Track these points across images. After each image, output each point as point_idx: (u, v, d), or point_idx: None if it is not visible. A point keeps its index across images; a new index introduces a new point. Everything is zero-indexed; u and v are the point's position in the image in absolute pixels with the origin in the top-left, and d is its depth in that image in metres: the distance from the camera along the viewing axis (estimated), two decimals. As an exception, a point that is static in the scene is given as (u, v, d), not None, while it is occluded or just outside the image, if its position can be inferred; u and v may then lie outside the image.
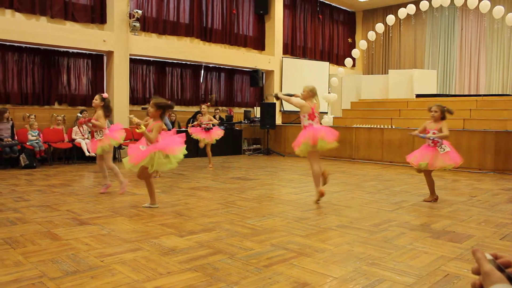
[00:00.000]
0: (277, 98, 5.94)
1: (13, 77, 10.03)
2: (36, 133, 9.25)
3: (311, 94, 5.65)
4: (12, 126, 9.11)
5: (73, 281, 2.82)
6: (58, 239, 3.79)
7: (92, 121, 5.94)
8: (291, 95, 5.85)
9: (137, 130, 4.83)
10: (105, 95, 6.14)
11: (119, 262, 3.18)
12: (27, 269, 3.04)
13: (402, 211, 5.15)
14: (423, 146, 5.77)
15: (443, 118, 5.57)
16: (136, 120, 5.10)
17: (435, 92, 14.38)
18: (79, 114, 9.05)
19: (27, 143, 9.06)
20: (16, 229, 4.10)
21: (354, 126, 11.50)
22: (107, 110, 6.06)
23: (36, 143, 9.10)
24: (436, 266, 3.19)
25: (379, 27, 13.90)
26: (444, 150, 5.51)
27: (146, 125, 5.02)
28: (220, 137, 9.12)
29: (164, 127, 7.42)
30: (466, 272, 3.05)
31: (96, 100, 6.05)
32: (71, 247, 3.54)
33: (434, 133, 5.56)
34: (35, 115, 9.56)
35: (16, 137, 9.11)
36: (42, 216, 4.67)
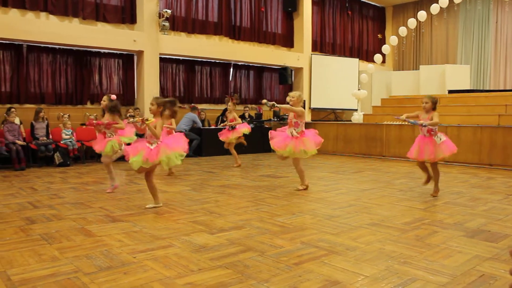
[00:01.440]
0: (273, 106, 6.07)
1: (48, 78, 10.31)
2: (70, 132, 9.47)
3: (300, 99, 6.09)
4: (47, 126, 9.35)
5: (106, 277, 2.88)
6: (91, 235, 3.87)
7: (114, 126, 5.89)
8: (274, 105, 6.16)
9: (147, 122, 4.81)
10: (113, 96, 6.03)
11: (151, 259, 3.23)
12: (63, 264, 3.12)
13: (434, 209, 5.05)
14: (419, 138, 5.83)
15: (434, 109, 5.73)
16: (139, 119, 5.01)
17: (468, 88, 14.04)
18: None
19: (61, 142, 9.28)
20: (52, 225, 4.21)
21: (385, 123, 11.34)
22: (116, 111, 5.95)
23: (70, 141, 9.31)
24: (471, 266, 3.12)
25: (411, 22, 13.66)
26: (440, 139, 5.67)
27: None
28: (246, 132, 8.96)
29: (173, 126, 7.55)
30: (503, 273, 2.97)
31: (104, 101, 5.99)
32: (104, 243, 3.61)
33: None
34: (69, 115, 9.79)
35: (50, 136, 9.35)
36: (76, 213, 4.78)
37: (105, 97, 6.03)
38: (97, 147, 6.07)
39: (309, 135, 6.09)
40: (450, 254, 3.37)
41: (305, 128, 6.15)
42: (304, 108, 6.15)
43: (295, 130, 6.05)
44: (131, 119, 5.22)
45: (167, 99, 5.18)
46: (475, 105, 10.87)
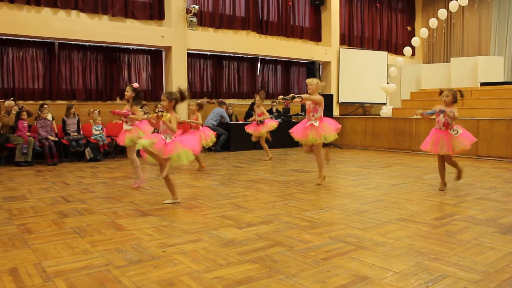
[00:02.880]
0: (293, 98, 6.04)
1: (78, 75, 10.54)
2: (100, 128, 9.65)
3: (318, 87, 6.12)
4: (78, 121, 9.56)
5: (137, 270, 2.93)
6: (122, 229, 3.94)
7: (130, 115, 5.89)
8: (294, 97, 6.08)
9: (163, 118, 4.75)
10: (135, 85, 5.97)
11: (180, 253, 3.27)
12: (95, 257, 3.18)
13: (466, 204, 4.95)
14: (434, 131, 5.70)
15: (454, 102, 5.60)
16: (153, 115, 4.95)
17: (502, 80, 13.67)
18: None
19: (92, 137, 9.46)
20: (84, 219, 4.30)
21: (414, 117, 11.15)
22: (139, 101, 5.97)
23: (100, 137, 9.48)
24: (505, 263, 3.04)
25: (442, 13, 13.35)
26: (457, 132, 5.52)
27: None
28: (273, 128, 9.14)
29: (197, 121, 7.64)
30: (537, 270, 2.89)
31: (128, 92, 5.95)
32: (134, 237, 3.67)
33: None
34: (99, 110, 9.97)
35: (81, 132, 9.55)
36: (107, 207, 4.87)
37: (128, 88, 6.01)
38: (119, 139, 6.17)
39: (327, 120, 6.19)
40: (482, 250, 3.30)
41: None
42: (322, 96, 6.18)
43: (314, 115, 6.10)
44: (146, 116, 5.18)
45: (175, 94, 5.00)
46: (509, 98, 10.57)
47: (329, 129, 6.10)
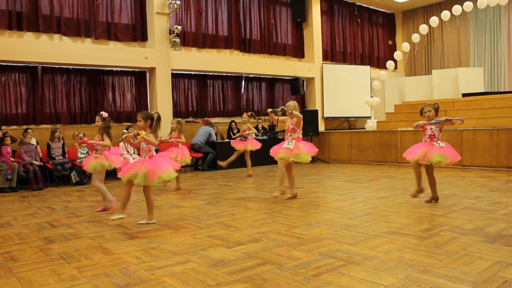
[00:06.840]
0: (283, 110, 6.22)
1: (62, 98, 10.49)
2: (85, 151, 9.56)
3: (296, 108, 6.32)
4: (63, 145, 9.48)
5: (125, 295, 2.88)
6: (109, 253, 3.89)
7: (99, 143, 5.88)
8: (284, 109, 6.25)
9: (138, 137, 4.84)
10: (104, 114, 5.96)
11: (169, 275, 3.23)
12: (82, 283, 3.13)
13: (453, 215, 4.98)
14: (420, 144, 5.69)
15: (437, 115, 5.63)
16: (131, 134, 5.00)
17: (482, 90, 13.90)
18: (125, 131, 9.35)
19: (77, 161, 9.37)
20: (70, 244, 4.24)
21: (399, 129, 11.27)
22: (108, 129, 5.94)
23: (86, 160, 9.40)
24: (493, 272, 3.06)
25: (423, 28, 13.61)
26: (439, 144, 5.49)
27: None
28: (255, 149, 9.25)
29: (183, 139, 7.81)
30: (525, 278, 2.91)
31: (98, 121, 5.94)
32: (122, 261, 3.62)
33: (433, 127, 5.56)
34: (83, 133, 9.86)
35: (67, 155, 9.46)
36: (94, 231, 4.81)
37: (97, 117, 5.98)
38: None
39: (304, 142, 6.30)
40: (471, 260, 3.32)
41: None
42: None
43: (291, 135, 6.26)
44: (124, 135, 5.18)
45: (151, 113, 5.11)
46: (491, 108, 10.75)
47: (304, 149, 6.17)
